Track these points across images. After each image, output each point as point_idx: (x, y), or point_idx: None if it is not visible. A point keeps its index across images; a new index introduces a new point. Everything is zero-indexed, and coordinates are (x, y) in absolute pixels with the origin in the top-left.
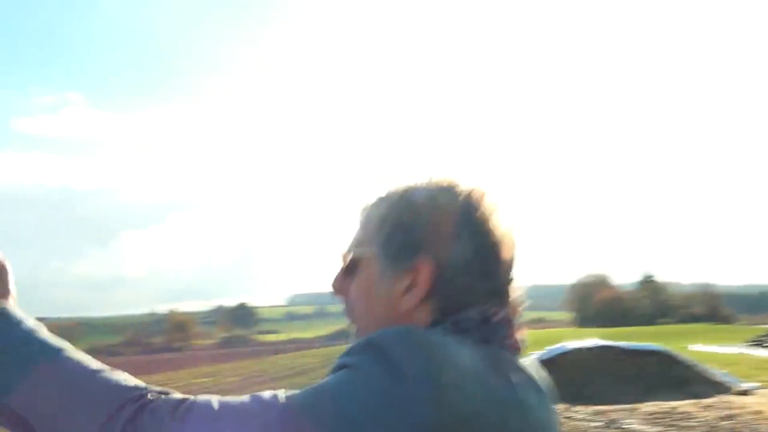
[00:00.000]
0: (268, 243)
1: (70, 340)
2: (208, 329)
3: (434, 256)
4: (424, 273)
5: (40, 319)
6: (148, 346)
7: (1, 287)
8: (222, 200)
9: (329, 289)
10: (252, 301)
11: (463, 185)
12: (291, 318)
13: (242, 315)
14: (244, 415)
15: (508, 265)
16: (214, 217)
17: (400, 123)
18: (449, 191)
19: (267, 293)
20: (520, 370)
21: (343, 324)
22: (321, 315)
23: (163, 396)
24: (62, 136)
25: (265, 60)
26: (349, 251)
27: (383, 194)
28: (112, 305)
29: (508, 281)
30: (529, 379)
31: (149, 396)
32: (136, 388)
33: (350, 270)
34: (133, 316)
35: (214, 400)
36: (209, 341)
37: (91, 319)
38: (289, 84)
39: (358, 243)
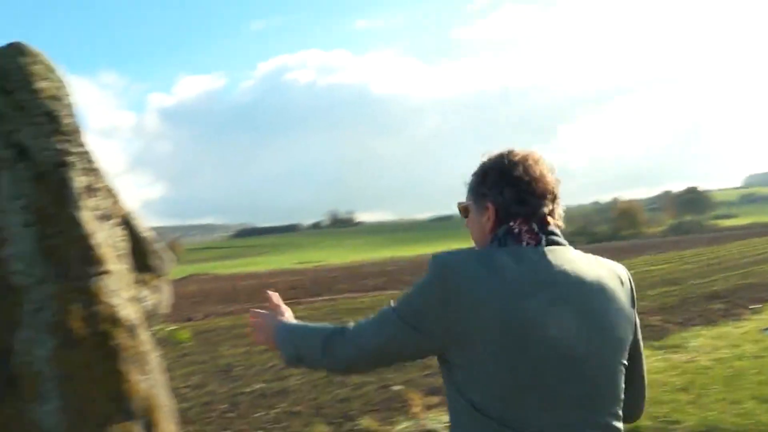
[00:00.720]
0: (719, 120)
1: None
2: (655, 216)
3: (493, 200)
4: (490, 210)
5: None
6: (594, 235)
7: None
8: (664, 80)
9: None
10: (702, 185)
11: (507, 154)
12: (748, 201)
13: (691, 200)
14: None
15: (538, 200)
16: (655, 100)
17: None
18: (498, 158)
19: (719, 175)
20: (539, 257)
21: None
22: None
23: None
24: (496, 39)
25: None
26: (461, 203)
27: (477, 168)
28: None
29: (540, 207)
30: (562, 262)
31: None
32: (335, 327)
33: (464, 213)
34: (578, 207)
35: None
36: (657, 228)
37: None
38: None
39: (467, 198)
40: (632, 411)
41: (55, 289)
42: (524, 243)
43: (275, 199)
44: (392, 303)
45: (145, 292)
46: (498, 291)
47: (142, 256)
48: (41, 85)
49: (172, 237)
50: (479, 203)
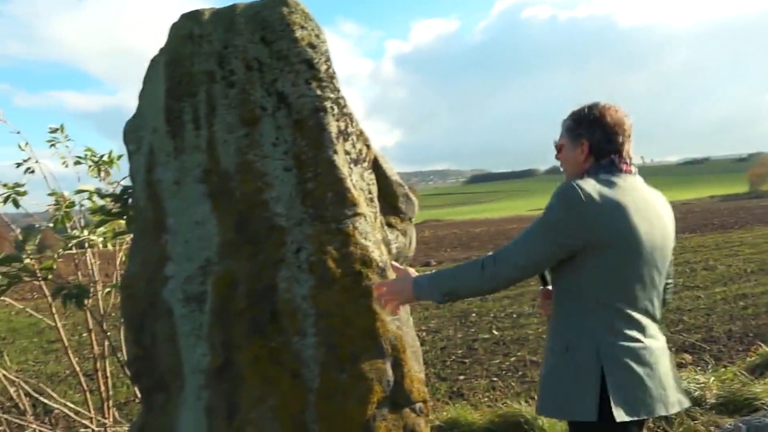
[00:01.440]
0: None
1: None
2: None
3: (587, 138)
4: (585, 146)
5: None
6: None
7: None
8: None
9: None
10: None
11: (595, 105)
12: None
13: None
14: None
15: (620, 138)
16: None
17: None
18: (589, 108)
19: None
20: (635, 181)
21: None
22: None
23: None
24: None
25: None
26: (557, 142)
27: (569, 115)
28: None
29: (622, 144)
30: (638, 186)
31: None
32: (477, 258)
33: (559, 150)
34: None
35: None
36: None
37: None
38: None
39: (560, 137)
40: (667, 296)
41: (313, 231)
42: (623, 171)
43: (510, 143)
44: (532, 225)
45: (392, 235)
46: (617, 207)
47: (390, 200)
48: (300, 33)
49: (409, 183)
50: (575, 141)
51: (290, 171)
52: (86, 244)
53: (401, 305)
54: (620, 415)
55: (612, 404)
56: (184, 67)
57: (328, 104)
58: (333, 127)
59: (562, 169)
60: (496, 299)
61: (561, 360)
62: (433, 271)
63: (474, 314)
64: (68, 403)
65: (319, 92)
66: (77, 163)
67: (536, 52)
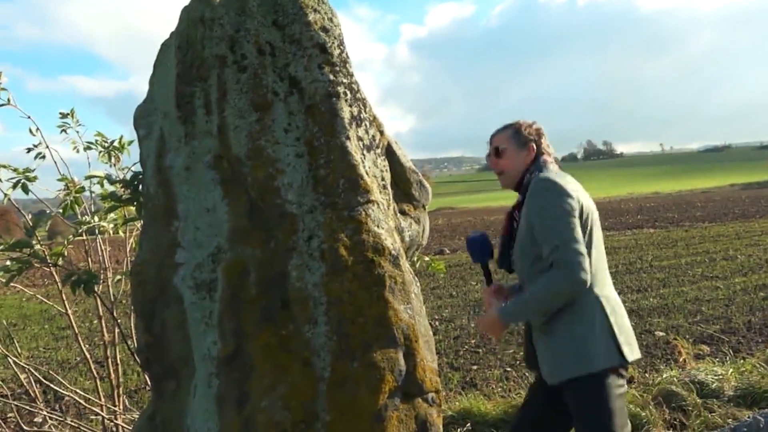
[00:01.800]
0: None
1: None
2: None
3: (535, 143)
4: (533, 149)
5: None
6: None
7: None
8: None
9: (489, 167)
10: None
11: (525, 121)
12: None
13: None
14: None
15: (545, 142)
16: None
17: None
18: (523, 121)
19: None
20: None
21: None
22: None
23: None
24: None
25: None
26: (496, 149)
27: (507, 127)
28: None
29: (548, 146)
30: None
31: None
32: (539, 277)
33: (500, 154)
34: None
35: None
36: None
37: None
38: None
39: (501, 143)
40: None
41: (324, 218)
42: (557, 167)
43: None
44: (557, 221)
45: (405, 223)
46: (577, 189)
47: (403, 187)
48: (312, 17)
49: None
50: (523, 146)
51: (302, 157)
52: (96, 231)
53: (498, 334)
54: (631, 354)
55: (621, 346)
56: (196, 51)
57: (341, 89)
58: (346, 112)
59: (498, 171)
60: None
61: (568, 323)
62: (512, 300)
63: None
64: (78, 391)
65: (332, 77)
66: (87, 148)
67: (554, 36)
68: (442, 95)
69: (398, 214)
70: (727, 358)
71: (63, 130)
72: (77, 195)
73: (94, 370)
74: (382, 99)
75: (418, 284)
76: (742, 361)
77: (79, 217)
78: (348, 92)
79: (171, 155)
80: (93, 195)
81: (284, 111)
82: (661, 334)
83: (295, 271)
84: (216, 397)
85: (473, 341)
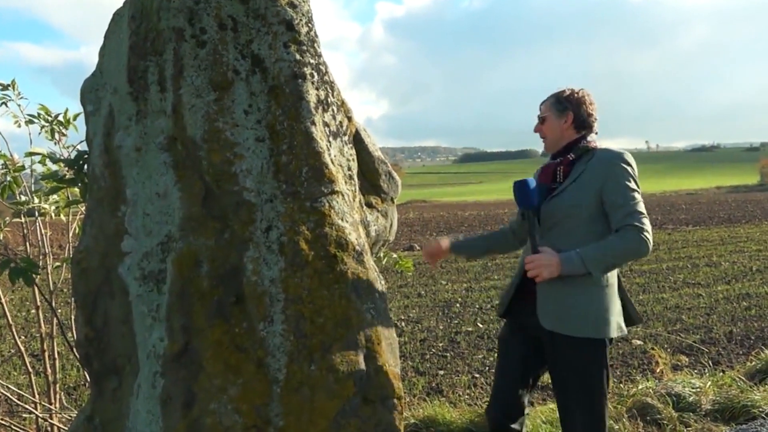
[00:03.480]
0: None
1: None
2: None
3: (573, 112)
4: (570, 117)
5: None
6: None
7: None
8: None
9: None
10: None
11: (576, 88)
12: None
13: None
14: None
15: (594, 117)
16: None
17: None
18: (571, 89)
19: None
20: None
21: None
22: None
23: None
24: None
25: None
26: (541, 114)
27: (551, 94)
28: None
29: (595, 122)
30: None
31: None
32: (617, 230)
33: (543, 121)
34: None
35: None
36: None
37: None
38: None
39: (543, 111)
40: None
41: (285, 208)
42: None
43: (506, 121)
44: (631, 185)
45: (372, 216)
46: None
47: (371, 177)
48: None
49: (394, 160)
50: (561, 113)
51: (263, 142)
52: (36, 213)
53: (545, 277)
54: (638, 319)
55: (630, 314)
56: (151, 23)
57: (307, 70)
58: (312, 95)
59: (542, 138)
60: (482, 290)
61: (593, 285)
62: (577, 251)
63: (458, 305)
64: (10, 386)
65: (298, 57)
66: (29, 122)
67: (539, 23)
68: (418, 80)
69: (364, 207)
70: (706, 370)
71: (3, 103)
72: (16, 174)
73: (29, 364)
74: (354, 81)
75: (383, 282)
76: (721, 373)
77: (18, 197)
78: (315, 74)
79: (120, 134)
80: (34, 174)
81: (245, 91)
82: (638, 342)
83: (251, 264)
84: (160, 398)
85: (441, 345)
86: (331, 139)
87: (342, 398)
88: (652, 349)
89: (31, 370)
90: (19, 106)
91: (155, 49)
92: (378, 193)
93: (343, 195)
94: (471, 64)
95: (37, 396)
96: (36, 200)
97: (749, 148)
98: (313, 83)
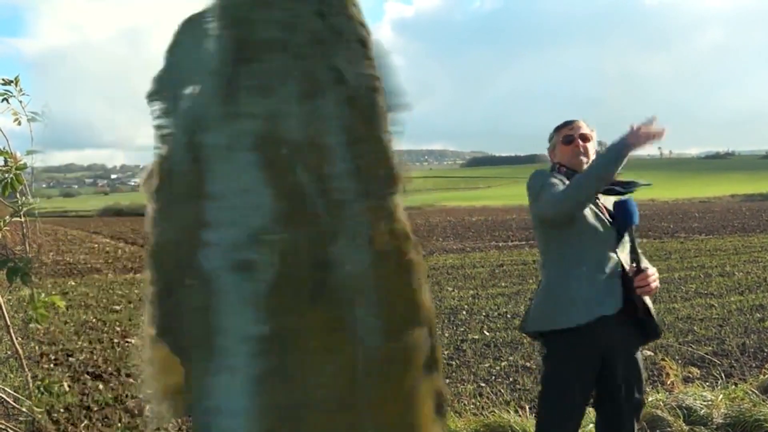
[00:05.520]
0: None
1: None
2: None
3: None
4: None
5: None
6: None
7: None
8: None
9: None
10: None
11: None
12: None
13: None
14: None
15: None
16: None
17: None
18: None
19: None
20: None
21: None
22: None
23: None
24: None
25: None
26: (586, 132)
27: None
28: None
29: None
30: None
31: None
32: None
33: (586, 139)
34: None
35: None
36: None
37: None
38: None
39: (585, 129)
40: None
41: (365, 206)
42: None
43: (515, 124)
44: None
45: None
46: None
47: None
48: (353, 11)
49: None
50: (595, 139)
51: (347, 146)
52: (37, 212)
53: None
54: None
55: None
56: (246, 32)
57: (377, 84)
58: (382, 105)
59: (581, 156)
60: (489, 297)
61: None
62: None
63: (464, 312)
64: (6, 389)
65: (371, 71)
66: (31, 120)
67: (550, 25)
68: (426, 82)
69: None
70: (718, 383)
71: (5, 99)
72: (18, 172)
73: (25, 366)
74: None
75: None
76: (733, 386)
77: (19, 196)
78: (380, 86)
79: (212, 133)
80: (35, 172)
81: (332, 101)
82: (648, 353)
83: (340, 257)
84: (256, 376)
85: (446, 353)
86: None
87: (418, 369)
88: (663, 360)
89: (28, 372)
90: (20, 102)
91: (249, 57)
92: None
93: (400, 193)
94: (480, 67)
95: (33, 398)
96: (38, 199)
97: (765, 156)
98: (381, 95)
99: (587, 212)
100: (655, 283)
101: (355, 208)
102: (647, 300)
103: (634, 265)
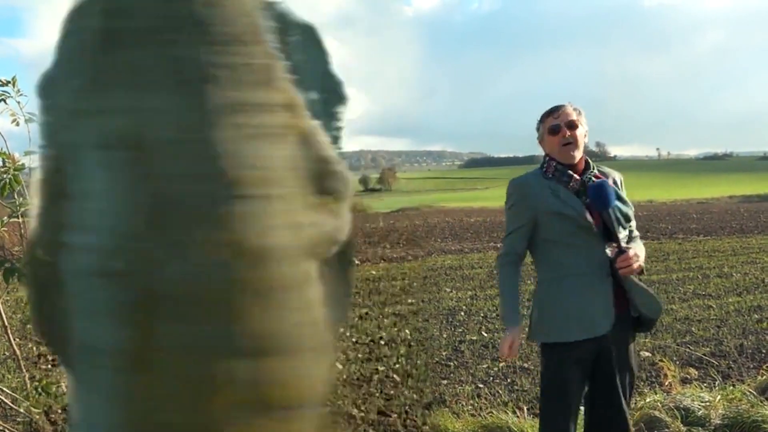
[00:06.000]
0: None
1: None
2: None
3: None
4: (586, 127)
5: None
6: None
7: None
8: None
9: None
10: None
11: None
12: None
13: None
14: None
15: None
16: None
17: None
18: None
19: None
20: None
21: None
22: None
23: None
24: None
25: None
26: (573, 119)
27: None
28: None
29: None
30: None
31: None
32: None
33: (573, 126)
34: None
35: None
36: None
37: None
38: None
39: (572, 116)
40: None
41: (218, 213)
42: None
43: (513, 125)
44: None
45: (318, 218)
46: None
47: (320, 178)
48: None
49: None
50: (585, 125)
51: (185, 144)
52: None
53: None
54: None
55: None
56: (121, 21)
57: (220, 72)
58: (225, 97)
59: (568, 145)
60: (487, 298)
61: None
62: (634, 247)
63: (462, 313)
64: (5, 389)
65: (211, 57)
66: (29, 120)
67: (549, 26)
68: (425, 83)
69: (311, 208)
70: (716, 384)
71: (2, 100)
72: (16, 173)
73: (23, 367)
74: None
75: (319, 287)
76: (731, 387)
77: (16, 197)
78: (229, 74)
79: (78, 131)
80: (33, 173)
81: (199, 95)
82: (646, 354)
83: (191, 268)
84: (111, 394)
85: (444, 353)
86: (261, 141)
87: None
88: (661, 361)
89: (26, 372)
90: (18, 103)
91: (116, 48)
92: (327, 193)
93: (273, 198)
94: (479, 68)
95: (31, 399)
96: (35, 199)
97: (763, 157)
98: (225, 84)
99: (572, 221)
100: (637, 263)
101: (213, 214)
102: (635, 278)
103: (615, 245)
